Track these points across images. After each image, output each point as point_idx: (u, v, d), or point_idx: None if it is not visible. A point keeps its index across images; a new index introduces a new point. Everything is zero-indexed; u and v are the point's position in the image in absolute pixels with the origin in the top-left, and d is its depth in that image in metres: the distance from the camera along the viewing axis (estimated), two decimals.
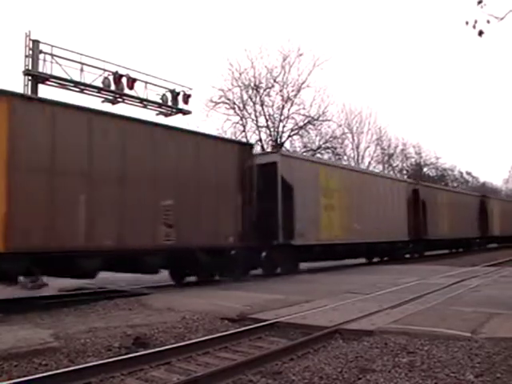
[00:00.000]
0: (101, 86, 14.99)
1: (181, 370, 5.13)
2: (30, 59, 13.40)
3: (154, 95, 16.66)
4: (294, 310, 8.00)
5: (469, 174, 63.09)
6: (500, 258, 21.41)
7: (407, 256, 23.28)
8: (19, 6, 53.45)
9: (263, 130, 31.53)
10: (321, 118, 32.27)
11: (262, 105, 31.20)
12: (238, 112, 30.98)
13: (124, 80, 15.32)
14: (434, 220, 25.47)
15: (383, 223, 20.05)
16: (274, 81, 31.12)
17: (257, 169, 13.76)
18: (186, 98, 17.37)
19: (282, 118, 31.62)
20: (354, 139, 41.29)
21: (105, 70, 14.99)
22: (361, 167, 36.71)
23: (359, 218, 18.37)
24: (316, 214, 15.97)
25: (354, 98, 77.64)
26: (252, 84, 30.72)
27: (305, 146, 33.00)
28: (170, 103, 17.08)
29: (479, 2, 5.81)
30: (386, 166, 44.71)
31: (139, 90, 16.02)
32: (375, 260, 21.83)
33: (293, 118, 31.87)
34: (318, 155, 31.81)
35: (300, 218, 14.84)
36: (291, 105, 31.59)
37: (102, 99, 15.50)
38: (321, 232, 16.20)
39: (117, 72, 15.15)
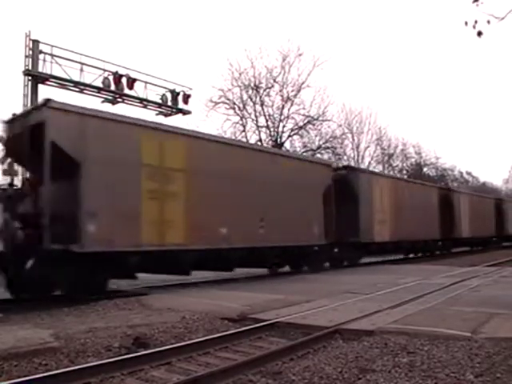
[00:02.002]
0: (101, 86, 15.02)
1: (181, 370, 5.12)
2: (30, 59, 13.43)
3: (154, 95, 16.72)
4: (294, 309, 7.99)
5: (469, 174, 63.16)
6: (500, 258, 21.42)
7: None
8: (19, 6, 53.50)
9: (263, 130, 31.58)
10: (321, 118, 32.33)
11: (261, 105, 31.24)
12: (238, 112, 31.02)
13: (124, 80, 15.34)
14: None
15: None
16: (274, 81, 31.17)
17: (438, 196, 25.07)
18: (186, 97, 17.41)
19: (282, 117, 31.67)
20: (353, 139, 41.40)
21: (105, 70, 15.02)
22: None
23: None
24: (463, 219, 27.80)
25: (354, 98, 77.91)
26: (252, 84, 30.77)
27: (305, 146, 33.04)
28: (169, 103, 17.11)
29: (475, 1, 5.78)
30: (386, 166, 44.75)
31: (139, 90, 16.07)
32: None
33: (293, 118, 31.93)
34: (318, 155, 31.81)
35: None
36: (291, 105, 31.64)
37: (102, 99, 15.53)
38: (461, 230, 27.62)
39: (117, 72, 15.17)
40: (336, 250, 17.30)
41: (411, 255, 24.13)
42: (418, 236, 22.32)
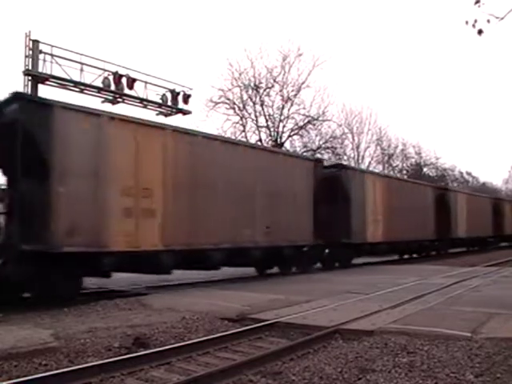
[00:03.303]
0: (101, 86, 15.01)
1: (181, 370, 5.12)
2: (30, 59, 13.43)
3: (154, 95, 16.72)
4: (294, 309, 7.99)
5: (469, 174, 63.07)
6: (499, 259, 21.42)
7: None
8: (19, 6, 53.48)
9: (263, 130, 31.54)
10: (321, 118, 32.28)
11: (261, 105, 31.20)
12: (238, 112, 30.97)
13: (124, 80, 15.35)
14: None
15: None
16: (274, 81, 31.12)
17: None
18: (186, 97, 17.41)
19: (282, 117, 31.61)
20: (353, 139, 41.27)
21: (105, 70, 15.02)
22: None
23: None
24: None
25: (354, 98, 77.65)
26: (252, 84, 30.72)
27: (305, 146, 33.03)
28: (169, 103, 17.11)
29: (476, 2, 5.79)
30: (386, 166, 44.72)
31: (139, 90, 16.07)
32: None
33: (293, 117, 31.86)
34: (318, 155, 31.80)
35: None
36: (291, 105, 31.58)
37: (102, 99, 15.53)
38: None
39: (117, 72, 15.17)
40: None
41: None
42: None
